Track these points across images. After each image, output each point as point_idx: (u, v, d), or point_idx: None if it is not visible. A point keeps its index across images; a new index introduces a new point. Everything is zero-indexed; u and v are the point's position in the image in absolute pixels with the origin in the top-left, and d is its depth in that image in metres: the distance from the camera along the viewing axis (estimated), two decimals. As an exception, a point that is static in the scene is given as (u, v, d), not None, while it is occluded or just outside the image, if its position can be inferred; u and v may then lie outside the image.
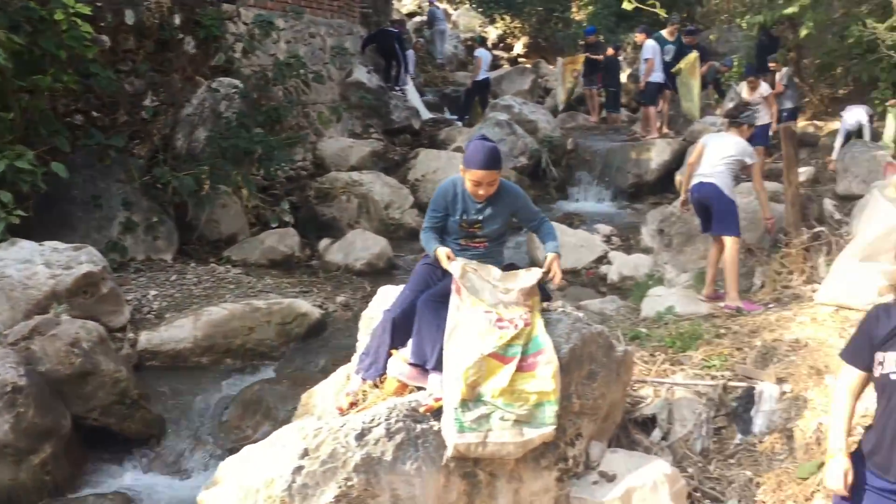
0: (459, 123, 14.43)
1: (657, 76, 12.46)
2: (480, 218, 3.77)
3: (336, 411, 3.57)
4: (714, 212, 6.22)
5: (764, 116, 10.41)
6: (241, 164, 8.26)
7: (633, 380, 4.68)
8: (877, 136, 11.13)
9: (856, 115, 11.16)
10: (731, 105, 10.01)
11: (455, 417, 3.23)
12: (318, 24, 12.52)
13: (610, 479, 3.59)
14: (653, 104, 12.80)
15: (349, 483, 3.03)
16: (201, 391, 5.67)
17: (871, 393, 2.88)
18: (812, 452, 3.98)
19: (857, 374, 2.82)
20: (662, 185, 11.88)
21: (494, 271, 3.66)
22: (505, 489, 3.45)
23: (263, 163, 8.58)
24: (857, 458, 2.84)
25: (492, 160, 3.63)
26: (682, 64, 12.70)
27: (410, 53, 15.75)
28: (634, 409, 4.53)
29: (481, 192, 3.67)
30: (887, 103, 10.80)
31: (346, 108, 11.78)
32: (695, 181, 6.32)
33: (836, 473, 2.72)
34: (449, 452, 3.24)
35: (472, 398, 3.28)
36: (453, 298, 3.52)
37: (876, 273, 5.35)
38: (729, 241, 6.14)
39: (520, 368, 3.40)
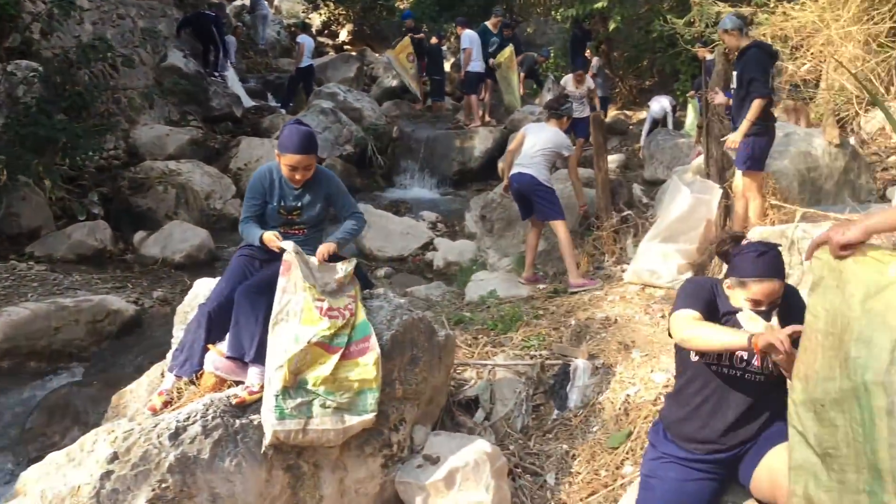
0: (283, 111, 14.14)
1: (476, 65, 12.72)
2: (299, 204, 3.72)
3: (149, 411, 3.40)
4: (535, 201, 6.44)
5: (586, 109, 10.91)
6: (43, 153, 7.70)
7: (457, 363, 4.78)
8: (679, 124, 11.98)
9: (661, 104, 11.97)
10: (549, 96, 10.40)
11: (276, 405, 3.17)
12: (128, 4, 11.84)
13: (434, 461, 3.64)
14: (474, 93, 13.09)
15: (163, 485, 2.90)
16: (1, 397, 5.25)
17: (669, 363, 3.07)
18: (621, 423, 4.22)
19: (696, 314, 2.74)
20: (486, 173, 12.21)
21: (313, 260, 3.61)
22: (329, 479, 3.42)
23: (68, 151, 8.03)
24: (656, 429, 3.02)
25: (308, 144, 3.60)
26: (498, 58, 13.06)
27: (230, 38, 15.23)
28: (458, 392, 4.61)
29: (298, 176, 3.63)
30: (688, 94, 11.64)
31: (161, 94, 11.23)
32: (514, 171, 6.52)
33: (774, 335, 2.42)
34: (268, 439, 3.17)
35: (293, 385, 3.23)
36: (280, 280, 3.43)
37: (675, 252, 5.74)
38: (558, 226, 6.38)
39: (343, 356, 3.38)
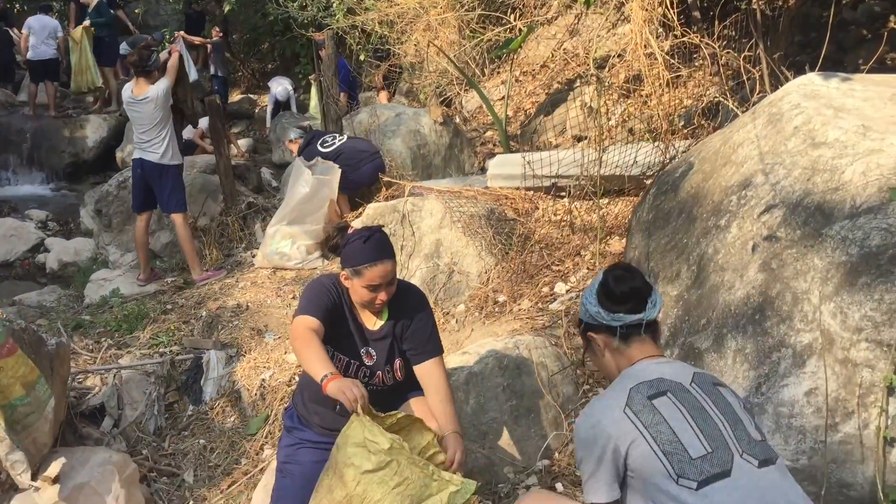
0: None
1: (39, 52, 11.33)
2: None
3: None
4: (160, 190, 6.06)
5: None
6: None
7: (77, 371, 4.41)
8: (304, 107, 12.17)
9: (283, 85, 12.02)
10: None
11: None
12: None
13: (52, 482, 3.32)
14: (46, 80, 11.70)
15: None
16: None
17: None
18: (258, 408, 4.21)
19: (314, 322, 2.65)
20: (103, 164, 11.39)
21: None
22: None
23: None
24: (290, 415, 3.03)
25: None
26: (71, 35, 11.62)
27: None
28: (81, 402, 4.26)
29: None
30: (310, 77, 11.82)
31: None
32: (135, 155, 6.04)
33: (343, 393, 2.38)
34: None
35: None
36: None
37: (302, 234, 5.84)
38: (177, 219, 6.09)
39: None
